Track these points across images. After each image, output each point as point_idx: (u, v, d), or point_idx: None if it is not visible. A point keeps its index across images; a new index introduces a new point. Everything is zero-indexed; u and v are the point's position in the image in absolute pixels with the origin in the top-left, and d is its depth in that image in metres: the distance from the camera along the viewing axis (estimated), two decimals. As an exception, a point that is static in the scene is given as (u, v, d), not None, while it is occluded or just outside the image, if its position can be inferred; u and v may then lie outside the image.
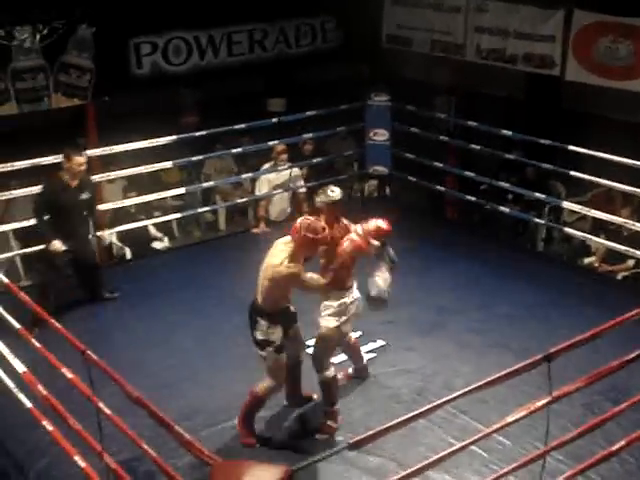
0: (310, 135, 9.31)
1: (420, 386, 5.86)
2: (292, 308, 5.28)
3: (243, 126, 8.68)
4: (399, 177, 9.45)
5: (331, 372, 5.37)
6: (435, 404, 3.82)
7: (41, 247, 7.00)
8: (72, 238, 6.85)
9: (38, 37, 7.83)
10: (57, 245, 6.77)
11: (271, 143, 8.89)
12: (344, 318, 5.33)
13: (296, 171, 9.06)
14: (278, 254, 5.02)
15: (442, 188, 9.21)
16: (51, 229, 6.83)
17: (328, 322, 5.33)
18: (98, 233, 8.01)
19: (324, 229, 5.02)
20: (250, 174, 9.11)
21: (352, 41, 9.75)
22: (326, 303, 5.33)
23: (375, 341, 6.41)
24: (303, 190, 9.12)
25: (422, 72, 10.04)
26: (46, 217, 6.85)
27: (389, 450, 5.00)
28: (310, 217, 5.12)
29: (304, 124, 9.24)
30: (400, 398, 5.72)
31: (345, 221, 5.39)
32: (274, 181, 9.01)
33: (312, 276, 5.11)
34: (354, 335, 5.89)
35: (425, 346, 6.41)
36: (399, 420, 3.64)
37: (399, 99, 9.23)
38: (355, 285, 5.39)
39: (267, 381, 5.21)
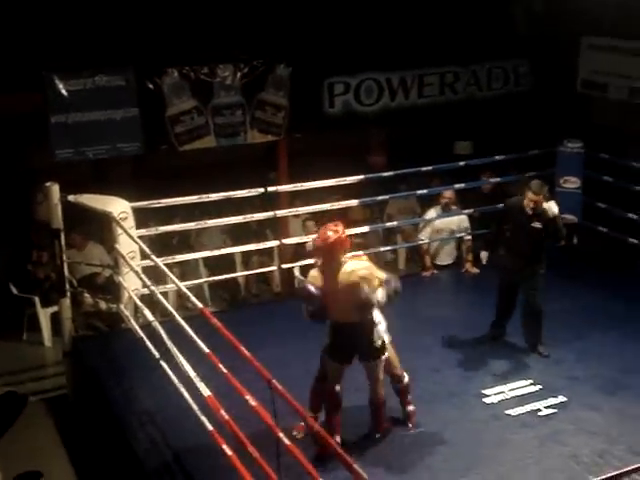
0: (496, 180, 9.17)
1: (602, 448, 5.54)
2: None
3: (429, 168, 8.68)
4: (588, 227, 9.10)
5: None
6: (623, 470, 3.63)
7: (226, 276, 7.19)
8: (516, 261, 6.71)
9: (239, 75, 8.23)
10: (482, 255, 7.09)
11: (441, 188, 8.80)
12: None
13: (463, 219, 8.74)
14: None
15: (635, 240, 8.78)
16: (496, 240, 7.02)
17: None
18: (283, 266, 8.25)
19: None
20: (425, 217, 8.86)
21: (544, 85, 9.58)
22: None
23: (556, 396, 6.16)
24: (469, 238, 8.69)
25: (617, 119, 9.67)
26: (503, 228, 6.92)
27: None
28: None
29: (492, 166, 9.12)
30: (580, 459, 5.43)
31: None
32: (438, 226, 8.70)
33: None
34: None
35: (610, 406, 6.08)
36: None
37: (592, 146, 8.94)
38: None
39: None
